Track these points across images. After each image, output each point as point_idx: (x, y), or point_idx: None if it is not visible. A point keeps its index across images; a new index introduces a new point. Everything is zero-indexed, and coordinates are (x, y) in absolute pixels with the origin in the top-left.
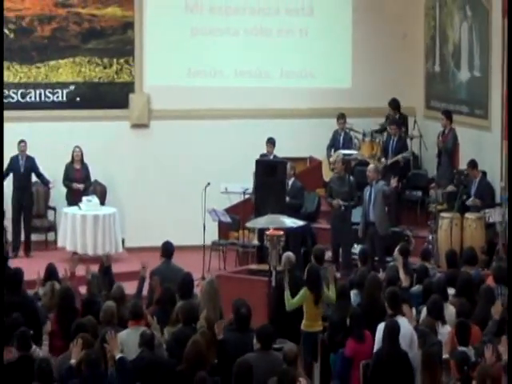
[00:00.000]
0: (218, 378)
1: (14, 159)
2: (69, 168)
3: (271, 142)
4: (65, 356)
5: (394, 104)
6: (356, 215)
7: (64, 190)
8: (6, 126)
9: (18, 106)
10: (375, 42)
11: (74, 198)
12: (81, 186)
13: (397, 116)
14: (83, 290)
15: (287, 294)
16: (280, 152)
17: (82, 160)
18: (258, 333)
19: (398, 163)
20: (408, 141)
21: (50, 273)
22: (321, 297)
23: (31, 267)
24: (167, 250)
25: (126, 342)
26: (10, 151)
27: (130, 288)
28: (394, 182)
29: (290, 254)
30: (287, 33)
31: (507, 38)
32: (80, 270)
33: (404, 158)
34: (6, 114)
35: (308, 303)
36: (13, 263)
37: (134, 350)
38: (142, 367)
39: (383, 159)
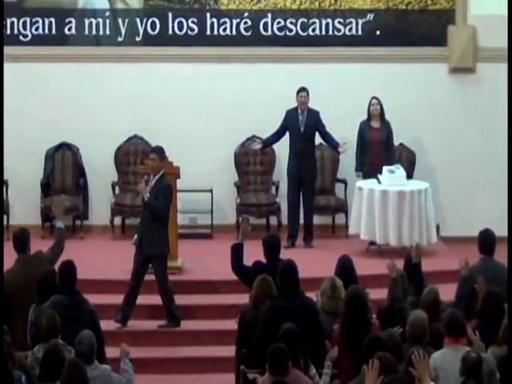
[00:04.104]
0: None
1: (291, 114)
2: (364, 127)
3: None
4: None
5: None
6: None
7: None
8: (278, 66)
9: (297, 41)
10: None
11: (370, 168)
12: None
13: None
14: (380, 293)
15: None
16: None
17: (381, 116)
18: None
19: None
20: None
21: (342, 268)
22: None
23: (313, 261)
24: (486, 243)
25: (441, 365)
26: (287, 103)
27: (444, 293)
28: None
29: None
30: None
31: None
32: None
33: None
34: (279, 50)
35: None
36: (287, 255)
37: (453, 376)
38: None
39: None
